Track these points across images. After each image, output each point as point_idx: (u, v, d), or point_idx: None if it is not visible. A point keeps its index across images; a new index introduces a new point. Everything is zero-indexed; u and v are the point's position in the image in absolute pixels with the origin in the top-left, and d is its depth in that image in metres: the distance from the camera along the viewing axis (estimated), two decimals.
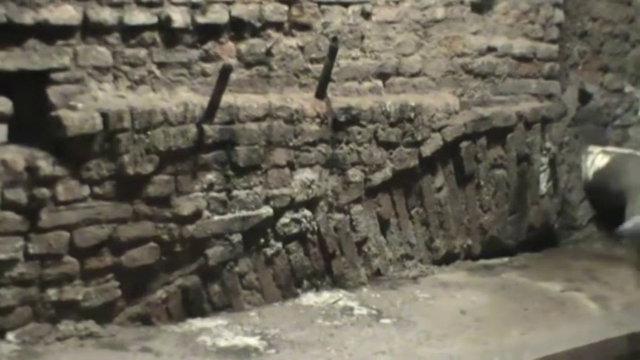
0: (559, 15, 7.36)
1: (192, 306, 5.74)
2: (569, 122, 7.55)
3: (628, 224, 7.16)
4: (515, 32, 7.13)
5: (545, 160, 7.35)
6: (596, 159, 7.64)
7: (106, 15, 5.31)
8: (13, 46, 5.01)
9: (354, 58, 6.37)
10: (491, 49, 7.04)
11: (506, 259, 7.15)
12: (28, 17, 5.01)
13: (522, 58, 7.22)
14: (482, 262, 7.08)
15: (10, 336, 5.07)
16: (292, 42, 6.12)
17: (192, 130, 5.62)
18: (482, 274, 6.81)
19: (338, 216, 6.35)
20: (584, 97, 7.66)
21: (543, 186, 7.35)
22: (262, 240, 6.03)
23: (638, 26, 8.03)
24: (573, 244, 7.53)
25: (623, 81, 7.96)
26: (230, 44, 5.87)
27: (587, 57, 7.74)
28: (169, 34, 5.60)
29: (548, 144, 7.35)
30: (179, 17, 5.58)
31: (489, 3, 6.93)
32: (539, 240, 7.41)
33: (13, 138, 5.08)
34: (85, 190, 5.25)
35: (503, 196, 7.19)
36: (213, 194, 5.78)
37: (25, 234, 5.08)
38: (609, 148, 7.74)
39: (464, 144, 6.90)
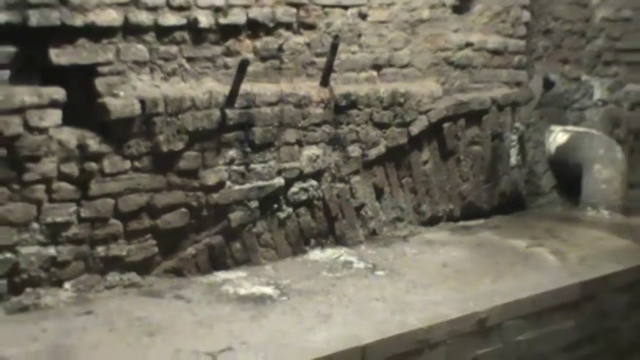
0: (526, 15, 7.38)
1: (216, 261, 5.83)
2: (535, 106, 7.56)
3: None
4: (489, 30, 7.15)
5: (514, 137, 7.39)
6: (558, 136, 7.69)
7: (143, 17, 5.37)
8: (66, 44, 5.09)
9: (352, 53, 6.40)
10: (468, 45, 7.06)
11: (481, 221, 7.21)
12: (78, 20, 5.08)
13: (495, 52, 7.25)
14: (461, 223, 7.14)
15: (66, 285, 5.21)
16: (300, 39, 6.15)
17: (216, 113, 5.69)
18: (462, 233, 6.86)
19: (339, 185, 6.40)
20: (548, 84, 7.66)
21: (513, 159, 7.38)
22: (276, 205, 6.10)
23: (593, 25, 8.01)
24: (538, 207, 7.55)
25: (580, 71, 7.97)
26: (247, 41, 5.90)
27: (550, 51, 7.75)
28: (196, 33, 5.65)
29: (517, 124, 7.40)
30: (204, 19, 5.63)
31: (467, 5, 6.95)
32: (510, 204, 7.46)
33: (67, 121, 5.11)
34: (127, 164, 5.35)
35: (479, 168, 7.23)
36: (234, 167, 5.84)
37: (78, 201, 5.19)
38: (568, 127, 7.78)
39: (446, 124, 6.94)
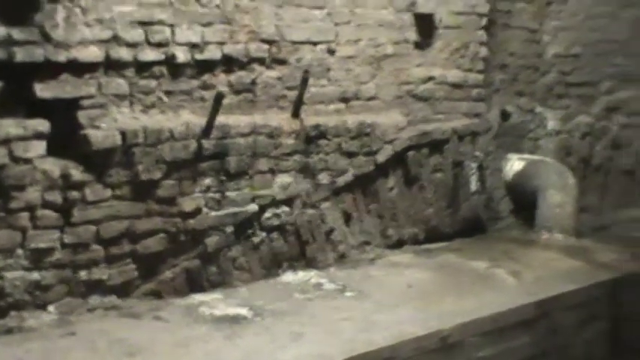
0: (483, 51, 7.41)
1: (193, 283, 5.79)
2: (493, 135, 7.58)
3: None
4: (449, 65, 7.16)
5: (474, 165, 7.40)
6: (514, 164, 7.70)
7: (124, 53, 5.35)
8: (50, 79, 5.06)
9: (321, 86, 6.40)
10: (430, 78, 7.07)
11: (444, 244, 7.18)
12: (61, 56, 5.07)
13: (455, 85, 7.25)
14: (425, 246, 7.11)
15: (50, 308, 5.16)
16: (272, 73, 6.14)
17: (193, 144, 5.68)
18: (425, 256, 6.85)
19: (310, 211, 6.38)
20: (505, 115, 7.69)
21: (473, 186, 7.39)
22: (250, 231, 6.07)
23: (545, 60, 8.08)
24: (496, 231, 7.56)
25: (534, 103, 7.99)
26: (222, 76, 5.88)
27: (506, 84, 7.78)
28: (174, 68, 5.63)
29: (476, 152, 7.40)
30: (182, 55, 5.62)
31: (428, 42, 6.95)
32: (470, 228, 7.46)
33: (51, 152, 5.08)
34: (108, 193, 5.33)
35: (441, 194, 7.22)
36: (210, 195, 5.83)
37: (61, 227, 5.16)
38: (524, 156, 7.80)
39: (410, 153, 6.95)
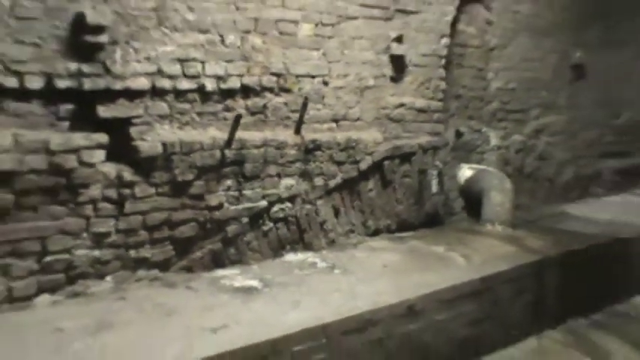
0: (443, 84, 7.36)
1: (217, 261, 5.76)
2: (449, 149, 7.55)
3: None
4: (416, 94, 7.13)
5: (435, 172, 7.35)
6: (465, 172, 7.67)
7: (165, 83, 5.37)
8: (109, 103, 5.09)
9: (318, 110, 6.37)
10: (402, 105, 7.04)
11: (411, 233, 7.13)
12: (118, 85, 5.09)
13: (421, 110, 7.21)
14: (396, 234, 7.06)
15: (107, 278, 5.19)
16: (280, 99, 6.11)
17: (218, 153, 5.66)
18: (397, 241, 6.80)
19: (308, 206, 6.34)
20: (458, 134, 7.68)
21: (434, 188, 7.34)
22: (261, 221, 6.04)
23: (489, 92, 8.09)
24: (451, 223, 7.51)
25: (481, 125, 7.98)
26: (241, 101, 5.86)
27: (460, 110, 7.76)
28: (204, 95, 5.62)
29: (437, 162, 7.36)
30: (210, 84, 5.62)
31: (400, 76, 6.94)
32: (432, 221, 7.41)
33: (109, 158, 5.09)
34: (152, 190, 5.33)
35: (409, 194, 7.18)
36: (230, 193, 5.80)
37: (116, 216, 5.18)
38: (473, 165, 7.76)
39: (385, 162, 6.91)
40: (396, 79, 6.98)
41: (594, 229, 7.49)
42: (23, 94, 4.77)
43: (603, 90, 9.60)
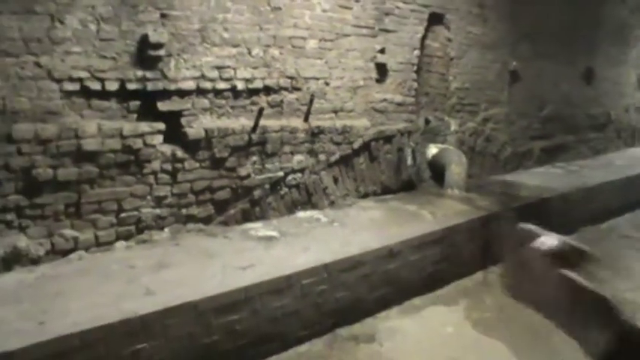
0: (415, 84, 7.25)
1: (247, 217, 5.70)
2: (420, 133, 7.45)
3: None
4: (395, 91, 7.03)
5: (409, 150, 7.28)
6: (432, 150, 7.56)
7: (207, 84, 5.30)
8: (166, 100, 5.07)
9: (321, 103, 6.28)
10: (384, 99, 6.94)
11: (391, 195, 7.04)
12: (172, 87, 5.05)
13: (399, 104, 7.11)
14: (381, 197, 6.97)
15: (165, 230, 5.19)
16: (293, 96, 6.01)
17: (246, 136, 5.59)
18: (381, 202, 6.71)
19: (314, 176, 6.26)
20: (427, 122, 7.58)
21: (409, 161, 7.27)
22: (279, 187, 5.96)
23: (450, 90, 7.99)
24: (422, 188, 7.41)
25: (444, 115, 7.87)
26: (263, 97, 5.77)
27: (428, 103, 7.65)
28: (235, 93, 5.54)
29: (411, 143, 7.28)
30: (240, 85, 5.54)
31: (384, 79, 6.84)
32: (407, 186, 7.32)
33: (165, 141, 5.06)
34: (197, 164, 5.29)
35: (390, 167, 7.08)
36: (256, 166, 5.73)
37: (171, 184, 5.15)
38: (438, 145, 7.65)
39: (372, 143, 6.82)
40: (380, 80, 6.87)
41: (525, 192, 7.43)
42: (104, 94, 4.76)
43: (532, 90, 9.61)
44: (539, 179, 8.42)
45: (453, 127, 8.07)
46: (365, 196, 6.88)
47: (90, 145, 4.65)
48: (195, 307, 3.91)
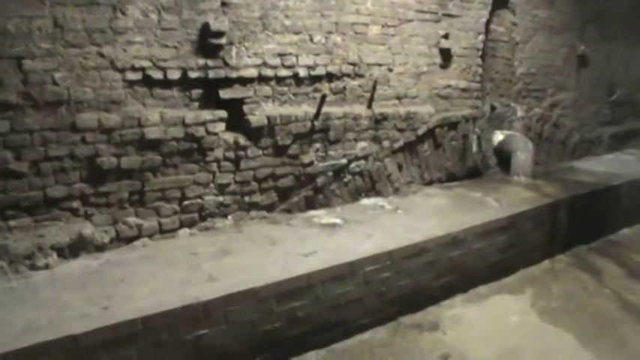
0: (480, 70, 6.99)
1: (310, 204, 5.59)
2: (486, 119, 7.20)
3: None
4: (460, 77, 6.78)
5: (475, 137, 7.04)
6: (498, 137, 7.33)
7: (269, 72, 5.17)
8: (228, 87, 4.96)
9: (384, 90, 6.08)
10: (449, 86, 6.69)
11: (456, 183, 6.81)
12: (234, 74, 4.96)
13: (464, 90, 6.85)
14: (446, 184, 6.75)
15: (229, 217, 5.10)
16: (355, 82, 5.85)
17: (308, 123, 5.45)
18: (446, 189, 6.50)
19: (378, 163, 6.07)
20: (492, 108, 7.33)
21: (474, 148, 7.04)
22: (342, 174, 5.82)
23: (516, 76, 7.72)
24: (488, 175, 7.18)
25: (510, 101, 7.61)
26: (326, 84, 5.63)
27: (493, 90, 7.40)
28: (298, 80, 5.40)
29: (476, 129, 7.02)
30: (302, 72, 5.40)
31: (448, 64, 6.60)
32: (472, 174, 7.09)
33: (228, 128, 4.96)
34: (260, 152, 5.18)
35: (455, 153, 6.84)
36: (319, 153, 5.60)
37: (234, 172, 5.07)
38: (504, 131, 7.42)
39: (437, 130, 6.58)
40: (444, 66, 6.65)
41: (593, 179, 7.16)
42: (166, 83, 4.70)
43: (601, 74, 9.31)
44: (608, 166, 8.14)
45: (520, 113, 7.82)
46: (429, 183, 6.68)
47: (153, 133, 4.59)
48: (257, 294, 3.82)
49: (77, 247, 4.31)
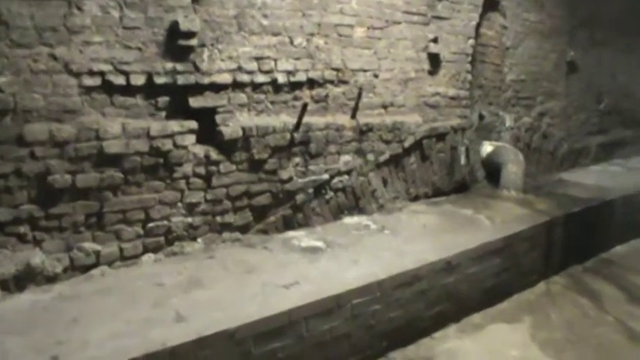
0: (469, 77, 6.69)
1: (288, 225, 5.23)
2: (474, 129, 6.95)
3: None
4: (449, 85, 6.47)
5: (463, 148, 6.75)
6: (487, 148, 7.10)
7: (244, 78, 4.83)
8: (198, 95, 4.60)
9: (369, 98, 5.75)
10: (437, 93, 6.38)
11: (444, 198, 6.53)
12: (205, 80, 4.61)
13: (452, 98, 6.54)
14: (433, 199, 6.44)
15: (199, 240, 4.76)
16: (339, 89, 5.51)
17: (288, 135, 5.11)
18: (433, 205, 6.21)
19: (362, 178, 5.72)
20: (481, 117, 7.09)
21: (462, 161, 6.74)
22: (323, 191, 5.47)
23: (505, 83, 7.52)
24: (476, 189, 6.94)
25: (499, 109, 7.38)
26: (307, 91, 5.29)
27: (482, 97, 7.15)
28: (276, 87, 5.06)
29: (464, 140, 6.73)
30: (281, 78, 5.06)
31: (436, 70, 6.28)
32: (460, 188, 6.83)
33: (198, 141, 4.63)
34: (234, 167, 4.85)
35: (443, 166, 6.51)
36: (299, 168, 5.26)
37: (205, 189, 4.72)
38: (493, 142, 7.20)
39: (424, 141, 6.26)
40: (432, 72, 6.37)
41: (585, 193, 7.04)
42: (129, 90, 4.36)
43: (590, 81, 9.21)
44: (597, 178, 8.08)
45: (508, 122, 7.62)
46: (415, 198, 6.40)
47: (113, 147, 4.24)
48: (233, 336, 3.48)
49: (24, 279, 3.92)
